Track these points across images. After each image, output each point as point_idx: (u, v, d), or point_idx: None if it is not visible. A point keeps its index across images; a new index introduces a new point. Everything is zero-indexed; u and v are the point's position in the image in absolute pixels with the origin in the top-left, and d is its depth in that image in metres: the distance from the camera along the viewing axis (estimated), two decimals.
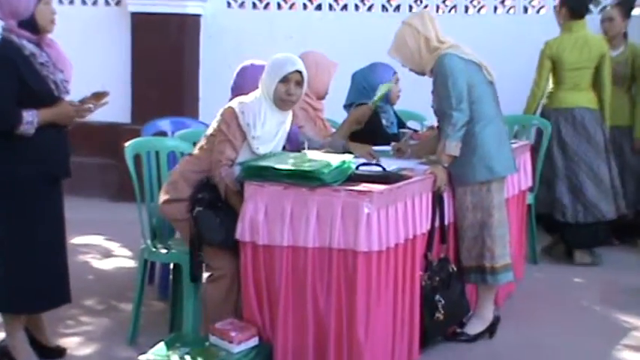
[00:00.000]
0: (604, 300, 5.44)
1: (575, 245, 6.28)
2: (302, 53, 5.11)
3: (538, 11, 7.48)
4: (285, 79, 4.06)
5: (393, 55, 4.63)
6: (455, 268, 4.52)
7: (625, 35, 6.69)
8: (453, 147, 4.41)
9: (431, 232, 4.34)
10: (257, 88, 4.18)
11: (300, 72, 4.10)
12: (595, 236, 6.29)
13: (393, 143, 4.93)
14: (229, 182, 3.99)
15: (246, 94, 4.21)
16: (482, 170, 4.50)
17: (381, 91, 5.01)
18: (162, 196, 4.23)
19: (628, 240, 6.73)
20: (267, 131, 4.07)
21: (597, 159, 6.23)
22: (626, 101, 6.66)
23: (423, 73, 4.61)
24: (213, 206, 4.02)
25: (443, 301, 4.36)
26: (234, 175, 3.99)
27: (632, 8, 6.61)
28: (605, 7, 6.81)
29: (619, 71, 6.59)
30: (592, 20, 6.92)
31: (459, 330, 4.63)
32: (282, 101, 4.08)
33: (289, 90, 4.07)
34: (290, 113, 4.23)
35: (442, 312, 4.35)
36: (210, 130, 4.17)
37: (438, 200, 4.38)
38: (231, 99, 4.40)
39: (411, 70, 4.66)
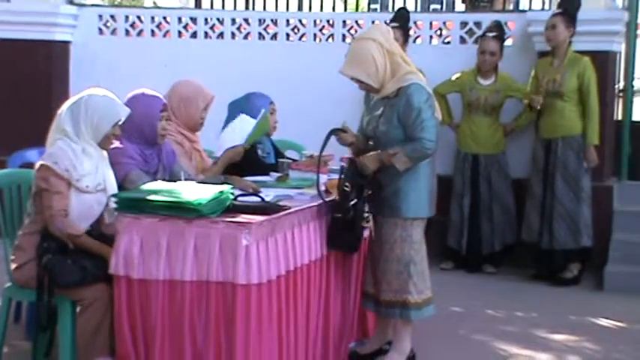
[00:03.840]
0: (479, 329, 5.58)
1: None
2: (175, 83, 5.12)
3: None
4: (116, 124, 4.26)
5: (350, 71, 4.51)
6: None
7: (496, 66, 6.95)
8: (403, 162, 4.44)
9: None
10: (148, 118, 4.49)
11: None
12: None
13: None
14: (71, 230, 4.08)
15: (137, 123, 4.45)
16: (418, 206, 4.56)
17: (255, 131, 5.04)
18: (12, 264, 4.26)
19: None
20: (89, 168, 4.18)
21: None
22: (494, 130, 6.96)
23: (377, 91, 4.56)
24: (63, 251, 4.08)
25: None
26: (70, 222, 4.09)
27: (575, 18, 6.66)
28: (482, 36, 7.02)
29: (490, 101, 6.87)
30: (468, 49, 7.18)
31: None
32: (108, 140, 4.28)
33: (116, 132, 4.29)
34: None
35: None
36: (33, 191, 4.23)
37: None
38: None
39: (364, 88, 4.59)
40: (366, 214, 4.46)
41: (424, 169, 4.57)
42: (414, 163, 4.47)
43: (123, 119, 4.27)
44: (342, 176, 4.46)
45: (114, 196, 4.03)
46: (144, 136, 4.56)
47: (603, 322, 5.82)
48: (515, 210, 7.00)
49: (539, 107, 6.64)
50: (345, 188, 4.43)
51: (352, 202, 4.41)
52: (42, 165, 4.14)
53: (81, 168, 4.15)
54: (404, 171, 4.48)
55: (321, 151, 4.58)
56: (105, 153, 4.34)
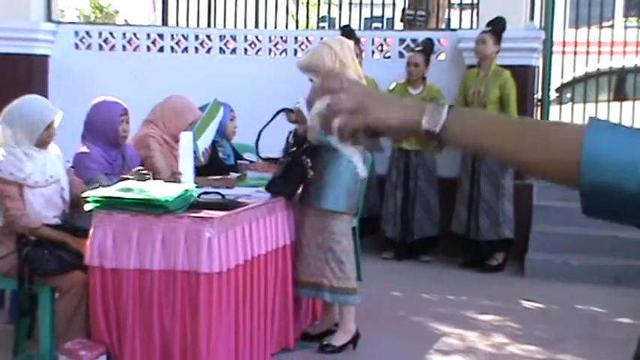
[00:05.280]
0: (416, 311, 5.63)
1: None
2: (170, 95, 5.07)
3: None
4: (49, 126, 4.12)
5: (303, 65, 4.61)
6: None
7: (424, 77, 7.01)
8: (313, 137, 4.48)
9: None
10: (109, 121, 4.39)
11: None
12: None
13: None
14: (31, 224, 4.02)
15: (99, 127, 4.41)
16: (336, 200, 4.54)
17: (206, 116, 5.03)
18: None
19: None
20: (32, 168, 4.07)
21: None
22: None
23: None
24: (40, 244, 4.03)
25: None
26: (28, 218, 4.02)
27: (500, 36, 6.73)
28: (413, 50, 7.10)
29: None
30: (405, 63, 7.24)
31: (325, 342, 4.69)
32: (44, 142, 4.13)
33: (51, 133, 4.13)
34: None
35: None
36: None
37: None
38: (83, 133, 4.35)
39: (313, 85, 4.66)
40: (308, 166, 4.49)
41: (346, 169, 4.56)
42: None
43: (56, 121, 4.14)
44: (291, 132, 4.63)
45: (88, 196, 3.97)
46: (107, 138, 4.49)
47: (524, 303, 5.91)
48: (438, 206, 7.04)
49: None
50: (290, 141, 4.58)
51: (292, 150, 4.50)
52: None
53: (25, 169, 4.06)
54: (325, 164, 4.52)
55: (268, 122, 4.66)
56: (53, 149, 4.23)
